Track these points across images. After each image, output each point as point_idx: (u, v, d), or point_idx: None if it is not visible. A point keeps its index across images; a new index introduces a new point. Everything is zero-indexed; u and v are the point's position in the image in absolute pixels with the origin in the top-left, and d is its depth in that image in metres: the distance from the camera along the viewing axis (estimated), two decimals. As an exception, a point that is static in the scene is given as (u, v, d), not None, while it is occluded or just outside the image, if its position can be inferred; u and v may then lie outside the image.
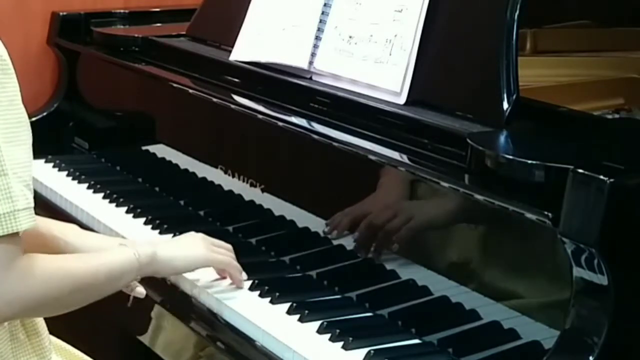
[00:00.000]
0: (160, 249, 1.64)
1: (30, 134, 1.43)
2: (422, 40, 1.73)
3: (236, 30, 2.10)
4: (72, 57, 2.62)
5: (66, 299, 1.49)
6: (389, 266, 1.64)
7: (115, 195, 2.21)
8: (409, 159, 1.62)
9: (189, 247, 1.70)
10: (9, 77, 1.40)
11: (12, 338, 1.53)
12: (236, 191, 1.98)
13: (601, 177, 1.27)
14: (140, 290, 1.72)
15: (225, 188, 2.01)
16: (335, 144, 1.72)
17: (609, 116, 1.90)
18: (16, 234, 1.38)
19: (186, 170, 2.16)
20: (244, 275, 1.76)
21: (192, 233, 1.75)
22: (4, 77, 1.39)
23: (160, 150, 2.26)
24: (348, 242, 1.72)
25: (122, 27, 2.65)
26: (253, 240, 1.94)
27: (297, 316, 1.63)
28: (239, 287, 1.74)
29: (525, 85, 1.66)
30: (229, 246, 1.77)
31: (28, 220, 1.39)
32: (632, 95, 2.01)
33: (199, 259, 1.70)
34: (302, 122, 1.83)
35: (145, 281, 1.76)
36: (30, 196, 1.40)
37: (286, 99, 1.91)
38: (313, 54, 1.91)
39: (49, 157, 2.47)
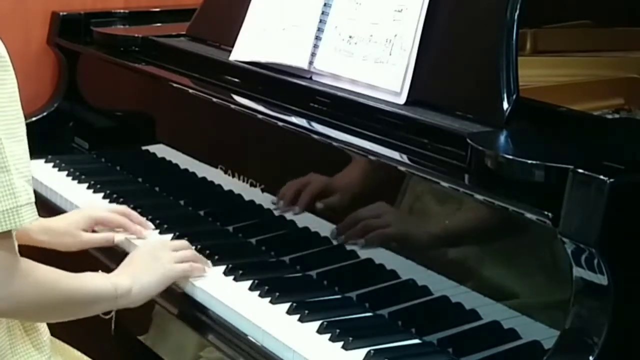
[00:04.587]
0: (135, 283, 1.66)
1: (25, 130, 1.45)
2: (422, 40, 1.73)
3: (236, 30, 2.10)
4: (72, 57, 2.62)
5: (42, 312, 1.54)
6: (389, 266, 1.64)
7: (115, 195, 2.21)
8: (409, 159, 1.62)
9: (157, 270, 1.72)
10: (8, 73, 1.40)
11: (10, 333, 1.54)
12: (236, 191, 1.98)
13: (601, 177, 1.27)
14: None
15: (225, 188, 2.01)
16: (335, 144, 1.72)
17: (609, 116, 1.90)
18: (10, 231, 1.40)
19: (186, 170, 2.16)
20: (209, 263, 1.81)
21: (151, 248, 1.80)
22: (4, 73, 1.40)
23: (160, 150, 2.26)
24: (348, 242, 1.71)
25: (122, 27, 2.65)
26: (253, 240, 1.94)
27: (297, 316, 1.63)
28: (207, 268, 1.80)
29: (525, 85, 1.66)
30: (185, 242, 1.84)
31: (30, 215, 1.41)
32: (632, 95, 2.01)
33: (167, 280, 1.73)
34: (302, 122, 1.83)
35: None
36: (31, 191, 1.42)
37: (286, 99, 1.91)
38: (313, 54, 1.91)
39: (49, 157, 2.47)
